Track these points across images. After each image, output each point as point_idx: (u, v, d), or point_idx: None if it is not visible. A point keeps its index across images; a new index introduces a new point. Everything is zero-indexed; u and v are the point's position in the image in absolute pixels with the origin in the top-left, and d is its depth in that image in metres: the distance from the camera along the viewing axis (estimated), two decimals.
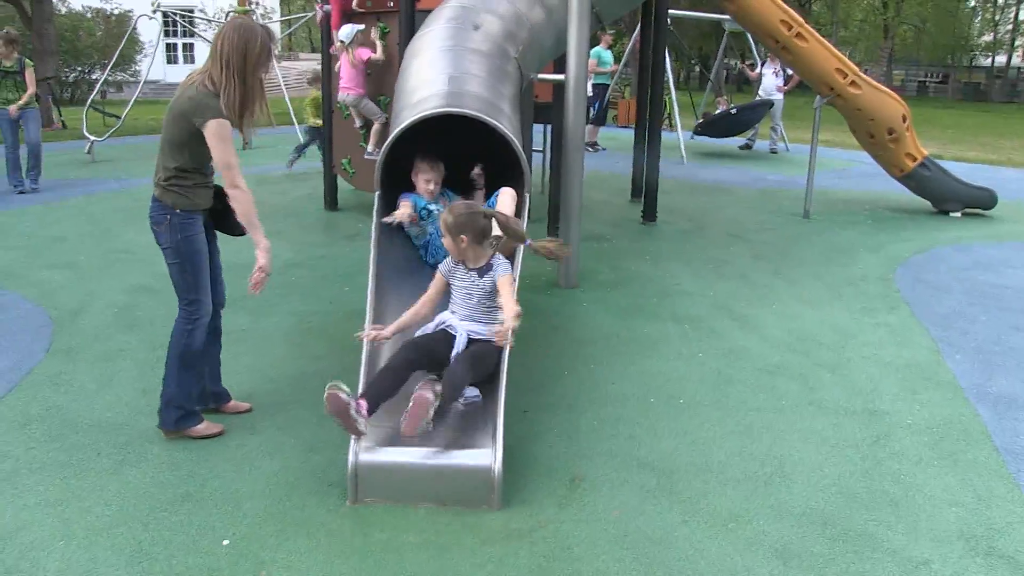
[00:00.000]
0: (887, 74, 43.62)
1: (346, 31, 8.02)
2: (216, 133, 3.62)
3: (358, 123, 8.38)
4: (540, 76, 6.35)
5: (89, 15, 28.91)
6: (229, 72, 3.63)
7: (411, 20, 7.44)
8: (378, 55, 8.01)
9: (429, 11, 6.51)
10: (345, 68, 8.12)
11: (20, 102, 9.89)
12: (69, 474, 3.62)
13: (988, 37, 51.84)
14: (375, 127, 8.24)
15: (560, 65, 6.56)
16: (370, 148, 8.28)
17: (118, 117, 14.56)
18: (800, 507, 3.49)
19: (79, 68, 26.90)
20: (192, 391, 3.99)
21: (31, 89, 10.03)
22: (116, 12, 28.57)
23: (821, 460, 3.89)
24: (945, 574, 3.07)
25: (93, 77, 26.18)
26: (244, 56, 3.63)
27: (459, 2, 5.87)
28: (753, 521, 3.37)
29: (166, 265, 3.86)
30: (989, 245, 8.40)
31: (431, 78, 5.05)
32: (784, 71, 15.16)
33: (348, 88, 8.16)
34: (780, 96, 15.36)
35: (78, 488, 3.51)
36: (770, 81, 15.29)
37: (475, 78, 5.10)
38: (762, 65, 15.69)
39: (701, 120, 15.65)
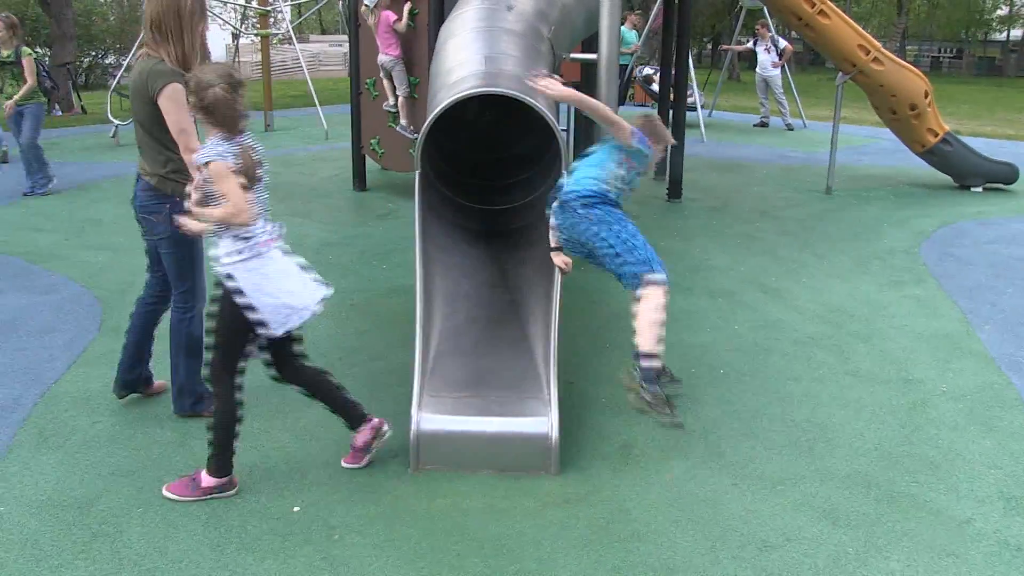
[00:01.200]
0: (901, 50, 43.35)
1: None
2: (169, 97, 3.60)
3: (391, 101, 8.47)
4: (573, 56, 6.43)
5: (101, 0, 29.03)
6: (164, 34, 3.64)
7: (440, 1, 7.53)
8: (401, 24, 8.13)
9: None
10: (379, 32, 8.24)
11: (17, 96, 8.94)
12: (137, 445, 3.77)
13: (1003, 11, 51.38)
14: (401, 100, 8.36)
15: (590, 45, 6.63)
16: (403, 122, 8.39)
17: None
18: (844, 471, 3.61)
19: (93, 53, 26.98)
20: (199, 375, 4.00)
21: (30, 81, 8.93)
22: None
23: (861, 426, 4.01)
24: (988, 532, 3.19)
25: (107, 62, 26.27)
26: (178, 13, 3.63)
27: None
28: (800, 484, 3.50)
29: (160, 255, 3.92)
30: (1012, 219, 8.46)
31: (467, 59, 5.14)
32: (776, 46, 15.21)
33: (385, 51, 8.28)
34: (776, 72, 15.40)
35: (147, 459, 3.66)
36: (764, 58, 15.36)
37: (510, 58, 5.18)
38: (753, 43, 15.72)
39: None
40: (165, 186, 3.77)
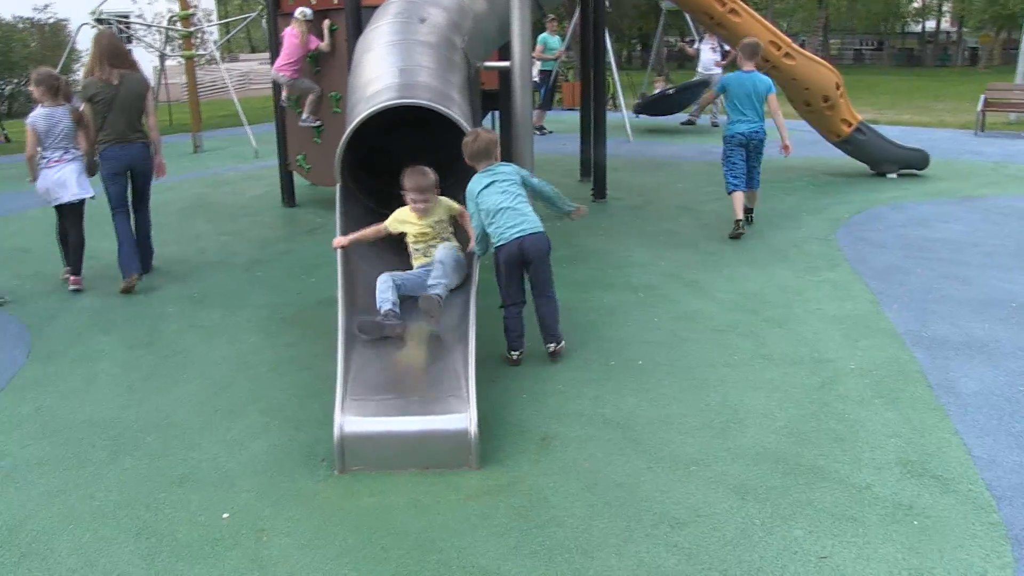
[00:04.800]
0: (823, 43, 44.37)
1: (310, 12, 8.18)
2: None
3: (305, 115, 8.50)
4: (486, 64, 6.56)
5: (21, 25, 28.39)
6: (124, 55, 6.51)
7: (357, 16, 7.63)
8: (325, 44, 8.19)
9: (375, 7, 6.72)
10: (288, 47, 8.25)
11: None
12: (67, 466, 3.81)
13: (917, 3, 52.96)
14: (310, 97, 8.42)
15: (504, 53, 6.78)
16: (304, 115, 8.46)
17: None
18: (755, 449, 3.80)
19: (15, 80, 26.44)
20: None
21: None
22: (51, 21, 28.09)
23: (772, 406, 4.21)
24: (885, 495, 3.40)
25: (30, 89, 25.76)
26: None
27: None
28: (712, 464, 3.68)
29: (141, 186, 6.65)
30: (922, 203, 8.82)
31: (383, 72, 5.26)
32: (721, 47, 15.56)
33: (282, 68, 8.30)
34: (719, 71, 15.74)
35: (78, 478, 3.70)
36: (708, 56, 15.66)
37: (425, 69, 5.31)
38: (700, 41, 16.07)
39: (640, 100, 16.07)
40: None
